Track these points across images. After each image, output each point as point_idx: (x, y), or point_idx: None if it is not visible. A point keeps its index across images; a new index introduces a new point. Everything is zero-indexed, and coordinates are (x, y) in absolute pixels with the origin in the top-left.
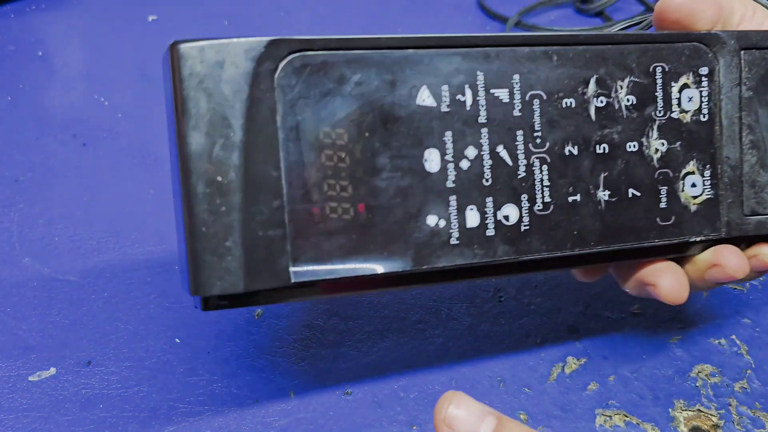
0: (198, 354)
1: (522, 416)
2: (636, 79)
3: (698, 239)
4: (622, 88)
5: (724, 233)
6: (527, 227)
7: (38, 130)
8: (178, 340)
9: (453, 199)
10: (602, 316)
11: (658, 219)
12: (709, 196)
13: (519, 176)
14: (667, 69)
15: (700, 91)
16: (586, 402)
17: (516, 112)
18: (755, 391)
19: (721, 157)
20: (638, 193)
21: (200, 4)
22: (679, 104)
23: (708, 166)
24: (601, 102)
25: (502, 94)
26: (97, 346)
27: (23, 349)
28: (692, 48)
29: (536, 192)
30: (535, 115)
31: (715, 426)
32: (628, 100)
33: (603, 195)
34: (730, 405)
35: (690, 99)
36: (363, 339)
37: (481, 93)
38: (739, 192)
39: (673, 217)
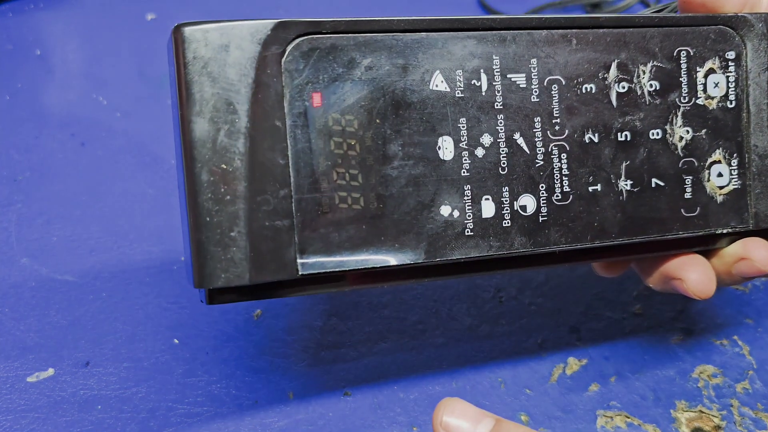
0: (197, 355)
1: (523, 417)
2: (659, 64)
3: (724, 231)
4: (644, 73)
5: (752, 225)
6: (545, 218)
7: (36, 129)
8: (176, 341)
9: (468, 189)
10: (603, 317)
11: (682, 210)
12: (735, 186)
13: (537, 165)
14: (692, 53)
15: (727, 77)
16: (587, 403)
17: (534, 98)
18: (757, 392)
19: (749, 146)
20: (662, 183)
21: (199, 3)
22: (704, 90)
23: (735, 154)
24: (623, 87)
25: (519, 79)
26: (96, 347)
27: (21, 349)
28: (718, 31)
29: (555, 181)
30: (553, 101)
31: (717, 427)
32: (651, 86)
33: (625, 185)
34: (732, 406)
35: (716, 84)
36: (363, 340)
37: (498, 78)
38: (767, 182)
39: (699, 208)
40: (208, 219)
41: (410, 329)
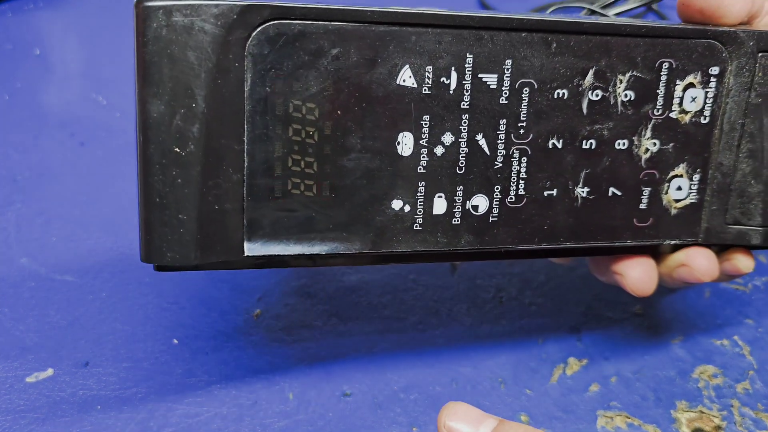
0: (196, 355)
1: (523, 418)
2: (638, 74)
3: (672, 243)
4: (621, 82)
5: (702, 239)
6: (495, 218)
7: (36, 129)
8: (176, 341)
9: (422, 185)
10: (604, 317)
11: (635, 220)
12: (693, 201)
13: (495, 167)
14: (674, 66)
15: (706, 92)
16: (587, 403)
17: (502, 100)
18: (758, 392)
19: (714, 163)
20: (619, 193)
21: None
22: (680, 104)
23: (698, 170)
24: (596, 95)
25: (491, 79)
26: (95, 347)
27: (20, 349)
28: (706, 45)
29: (511, 184)
30: (522, 104)
31: (718, 427)
32: (625, 96)
33: (581, 192)
34: (733, 406)
35: (693, 99)
36: (363, 340)
37: (468, 77)
38: (725, 200)
39: (651, 219)
40: (157, 200)
41: (410, 329)
